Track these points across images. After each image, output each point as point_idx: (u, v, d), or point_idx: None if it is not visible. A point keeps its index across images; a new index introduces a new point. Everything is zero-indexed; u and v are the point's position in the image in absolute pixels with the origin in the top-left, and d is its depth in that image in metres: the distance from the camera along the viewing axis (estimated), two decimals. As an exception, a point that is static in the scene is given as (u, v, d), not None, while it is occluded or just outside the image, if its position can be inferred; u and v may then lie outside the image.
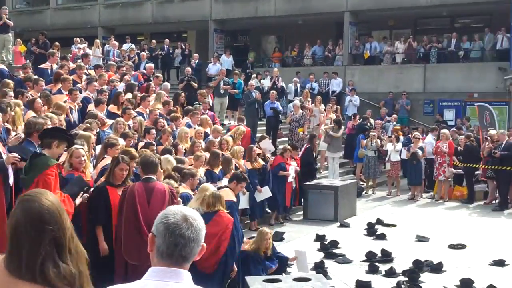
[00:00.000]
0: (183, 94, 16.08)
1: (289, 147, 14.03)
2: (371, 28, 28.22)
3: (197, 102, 15.91)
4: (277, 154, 14.43)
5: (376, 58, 26.35)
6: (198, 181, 8.98)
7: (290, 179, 13.43)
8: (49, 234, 2.46)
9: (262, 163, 12.94)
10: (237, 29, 31.25)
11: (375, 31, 28.27)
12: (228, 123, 18.40)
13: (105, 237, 7.07)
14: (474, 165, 16.01)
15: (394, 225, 13.32)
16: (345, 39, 26.28)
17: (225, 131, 14.33)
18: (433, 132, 17.93)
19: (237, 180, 8.87)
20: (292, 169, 13.47)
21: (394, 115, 21.81)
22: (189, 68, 20.26)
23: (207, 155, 10.94)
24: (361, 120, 19.38)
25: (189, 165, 10.06)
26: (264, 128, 18.34)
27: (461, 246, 11.43)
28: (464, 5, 24.59)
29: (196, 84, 18.74)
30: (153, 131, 11.32)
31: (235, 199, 8.57)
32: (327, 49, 27.04)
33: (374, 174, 17.42)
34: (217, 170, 10.87)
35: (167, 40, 26.19)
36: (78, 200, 6.78)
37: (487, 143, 15.88)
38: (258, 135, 16.12)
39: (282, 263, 8.93)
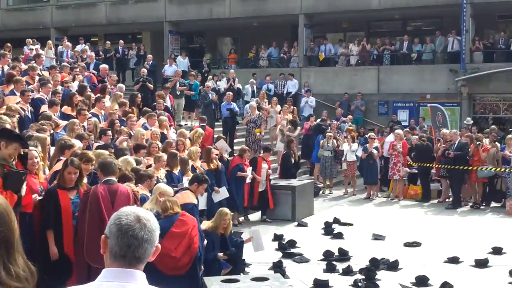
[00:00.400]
0: (139, 95, 15.91)
1: (247, 148, 14.02)
2: (325, 31, 28.50)
3: (154, 103, 15.80)
4: (235, 155, 14.40)
5: (331, 60, 26.62)
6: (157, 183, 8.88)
7: (248, 180, 13.39)
8: None
9: (218, 163, 12.88)
10: (193, 30, 31.13)
11: (330, 33, 28.58)
12: (185, 124, 18.31)
13: (56, 241, 6.96)
14: (428, 165, 16.29)
15: (351, 224, 13.46)
16: (300, 41, 26.46)
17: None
18: (412, 132, 18.33)
19: (198, 182, 8.81)
20: (249, 170, 13.46)
21: (349, 116, 22.04)
22: (144, 69, 20.06)
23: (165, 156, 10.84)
24: (318, 121, 19.51)
25: (147, 166, 9.97)
26: (221, 129, 18.30)
27: (416, 244, 11.62)
28: (415, 9, 25.05)
29: (151, 85, 18.56)
30: (109, 132, 11.17)
31: (196, 201, 8.50)
32: (283, 51, 27.18)
33: (331, 174, 17.59)
34: (176, 171, 10.79)
35: (121, 41, 25.90)
36: (23, 190, 6.63)
37: (440, 143, 16.20)
38: (215, 136, 16.06)
39: (239, 248, 8.96)
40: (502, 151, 15.41)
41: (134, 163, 9.10)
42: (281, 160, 15.66)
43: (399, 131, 17.10)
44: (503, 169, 15.19)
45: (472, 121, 20.74)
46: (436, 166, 16.12)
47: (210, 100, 18.44)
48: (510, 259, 10.51)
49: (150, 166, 10.11)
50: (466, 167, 15.32)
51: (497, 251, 10.96)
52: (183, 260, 7.24)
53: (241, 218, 13.76)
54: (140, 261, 2.48)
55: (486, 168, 15.17)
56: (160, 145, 11.66)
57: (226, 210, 8.86)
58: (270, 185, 14.05)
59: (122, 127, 12.05)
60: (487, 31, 25.75)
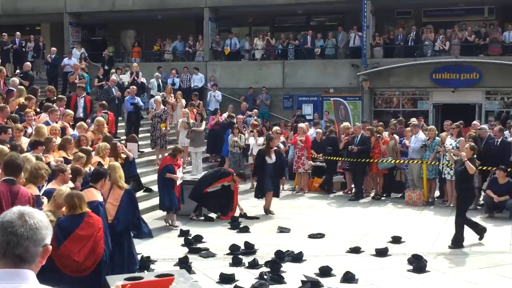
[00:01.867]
0: (39, 90, 15.27)
1: (180, 148, 13.52)
2: (231, 25, 28.55)
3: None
4: (166, 154, 13.88)
5: (237, 54, 26.66)
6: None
7: (178, 182, 12.76)
8: None
9: (129, 154, 12.55)
10: (94, 22, 30.30)
11: (235, 27, 28.65)
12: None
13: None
14: (333, 158, 16.59)
15: (257, 218, 13.54)
16: (206, 35, 26.35)
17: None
18: (316, 126, 18.56)
19: (104, 176, 8.46)
20: (180, 171, 13.10)
21: (255, 110, 22.18)
22: (28, 64, 19.36)
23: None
24: (226, 117, 19.47)
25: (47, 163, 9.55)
26: (124, 124, 17.91)
27: (320, 236, 11.83)
28: (318, 4, 25.54)
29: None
30: (10, 130, 10.64)
31: (101, 199, 8.18)
32: (188, 44, 26.97)
33: (239, 168, 17.56)
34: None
35: (18, 33, 24.70)
36: None
37: (343, 135, 16.60)
38: (119, 131, 15.68)
39: None
40: (400, 143, 15.96)
41: (34, 159, 8.68)
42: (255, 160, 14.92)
43: (302, 124, 17.35)
44: (401, 161, 15.76)
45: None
46: (340, 159, 16.48)
47: (113, 96, 18.00)
48: (409, 248, 10.89)
49: (48, 163, 9.68)
50: (368, 160, 15.76)
51: (396, 240, 11.34)
52: (86, 263, 6.98)
53: (177, 222, 12.90)
54: (24, 260, 2.33)
55: (386, 160, 15.67)
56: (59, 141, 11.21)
57: None
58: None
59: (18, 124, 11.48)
60: (387, 27, 26.67)
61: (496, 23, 24.47)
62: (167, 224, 12.73)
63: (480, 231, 11.30)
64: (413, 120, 17.94)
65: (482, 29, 23.77)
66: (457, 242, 10.96)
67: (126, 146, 13.17)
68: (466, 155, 10.93)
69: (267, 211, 13.95)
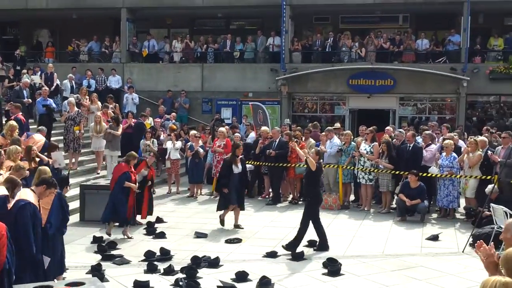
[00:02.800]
0: None
1: (134, 154, 12.67)
2: (149, 26, 28.14)
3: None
4: (120, 161, 13.22)
5: (155, 56, 26.28)
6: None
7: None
8: None
9: (43, 157, 12.04)
10: (6, 21, 29.15)
11: (154, 29, 28.25)
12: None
13: None
14: (255, 162, 16.56)
15: (165, 222, 13.34)
16: (123, 36, 25.87)
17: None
18: (233, 130, 18.52)
19: (48, 185, 8.00)
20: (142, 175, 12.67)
21: (173, 113, 21.92)
22: None
23: None
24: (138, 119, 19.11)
25: None
26: (35, 126, 17.21)
27: (237, 240, 11.76)
28: (237, 8, 25.56)
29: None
30: None
31: (33, 201, 7.70)
32: (104, 45, 26.36)
33: (155, 173, 17.25)
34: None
35: None
36: None
37: (261, 140, 16.62)
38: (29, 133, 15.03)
39: None
40: (317, 146, 16.13)
41: None
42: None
43: (222, 129, 17.25)
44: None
45: (289, 122, 21.59)
46: (259, 163, 16.47)
47: (21, 101, 17.28)
48: (323, 252, 10.98)
49: None
50: (285, 164, 15.83)
51: (312, 244, 11.42)
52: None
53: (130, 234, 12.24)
54: None
55: (304, 165, 15.78)
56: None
57: None
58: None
59: None
60: (305, 32, 27.02)
61: (410, 31, 25.28)
62: (125, 237, 12.08)
63: (322, 244, 11.21)
64: (337, 125, 18.26)
65: (396, 37, 24.49)
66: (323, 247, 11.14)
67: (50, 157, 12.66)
68: (311, 163, 10.91)
69: (237, 226, 12.94)
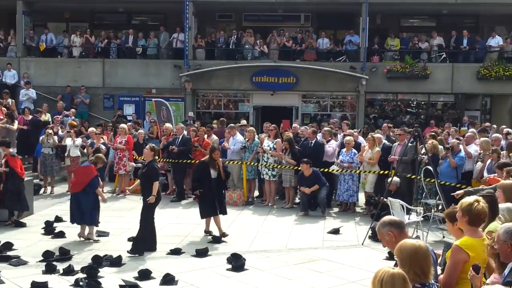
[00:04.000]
0: None
1: (103, 157, 12.20)
2: (47, 19, 27.13)
3: None
4: (88, 163, 12.30)
5: (53, 50, 25.38)
6: None
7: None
8: None
9: None
10: None
11: (51, 22, 27.27)
12: None
13: None
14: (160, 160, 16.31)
15: (65, 221, 12.88)
16: (18, 29, 24.81)
17: None
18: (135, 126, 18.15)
19: None
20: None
21: (73, 110, 21.26)
22: None
23: None
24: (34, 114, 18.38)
25: None
26: None
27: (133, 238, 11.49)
28: (139, 3, 25.20)
29: None
30: None
31: None
32: (-1, 38, 25.19)
33: (52, 171, 16.65)
34: None
35: None
36: None
37: (164, 137, 16.43)
38: None
39: None
40: (221, 144, 16.13)
41: None
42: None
43: (123, 125, 16.91)
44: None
45: (192, 114, 21.52)
46: (161, 160, 16.27)
47: None
48: (229, 247, 11.01)
49: None
50: (189, 161, 15.71)
51: (216, 240, 11.43)
52: None
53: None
54: None
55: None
56: None
57: None
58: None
59: None
60: (209, 29, 26.97)
61: (311, 30, 25.79)
62: (86, 240, 11.48)
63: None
64: (243, 122, 18.28)
65: (298, 35, 24.92)
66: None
67: None
68: (146, 157, 10.92)
69: (222, 234, 11.78)
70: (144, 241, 10.63)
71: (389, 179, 13.01)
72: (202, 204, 11.97)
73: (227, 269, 9.67)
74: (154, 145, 11.45)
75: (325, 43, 24.71)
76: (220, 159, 12.39)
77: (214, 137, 16.40)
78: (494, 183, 9.48)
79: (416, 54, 24.32)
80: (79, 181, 11.77)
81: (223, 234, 11.73)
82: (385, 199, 11.97)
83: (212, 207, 11.77)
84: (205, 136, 16.25)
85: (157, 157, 11.32)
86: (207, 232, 12.00)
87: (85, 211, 11.41)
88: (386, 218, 5.37)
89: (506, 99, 27.01)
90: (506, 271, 4.70)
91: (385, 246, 5.30)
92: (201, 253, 10.51)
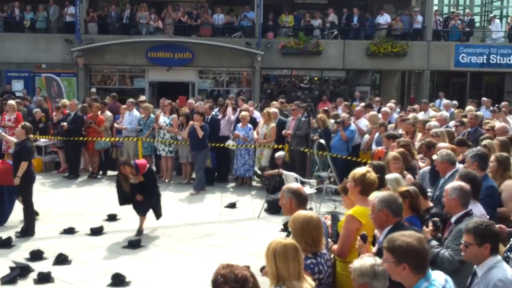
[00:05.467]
0: None
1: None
2: None
3: None
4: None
5: None
6: None
7: None
8: None
9: None
10: None
11: None
12: None
13: None
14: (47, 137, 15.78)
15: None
16: None
17: None
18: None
19: None
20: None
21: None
22: None
23: None
24: None
25: None
26: None
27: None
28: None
29: None
30: None
31: None
32: None
33: None
34: None
35: None
36: None
37: (55, 113, 15.90)
38: None
39: None
40: (117, 119, 15.83)
41: None
42: None
43: (11, 102, 16.17)
44: (117, 139, 15.66)
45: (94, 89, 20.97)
46: (51, 138, 15.77)
47: None
48: (124, 225, 10.89)
49: None
50: (81, 138, 15.30)
51: (112, 217, 11.26)
52: None
53: None
54: None
55: (104, 139, 15.42)
56: None
57: None
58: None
59: None
60: (101, 3, 26.21)
61: (206, 6, 25.66)
62: None
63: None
64: (142, 98, 17.87)
65: (194, 11, 24.73)
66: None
67: None
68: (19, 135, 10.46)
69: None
70: (32, 221, 10.29)
71: (276, 153, 13.41)
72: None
73: (123, 247, 9.58)
74: (27, 123, 10.93)
75: (221, 19, 24.70)
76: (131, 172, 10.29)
77: (108, 113, 16.05)
78: (381, 155, 9.94)
79: (309, 31, 24.83)
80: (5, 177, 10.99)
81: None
82: (279, 173, 12.25)
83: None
84: (99, 112, 15.85)
85: (31, 136, 10.79)
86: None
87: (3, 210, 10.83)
88: (295, 186, 5.57)
89: (394, 75, 28.33)
90: (381, 238, 4.94)
91: (281, 207, 5.47)
92: (96, 231, 10.34)
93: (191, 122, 13.96)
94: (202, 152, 13.91)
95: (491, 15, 30.03)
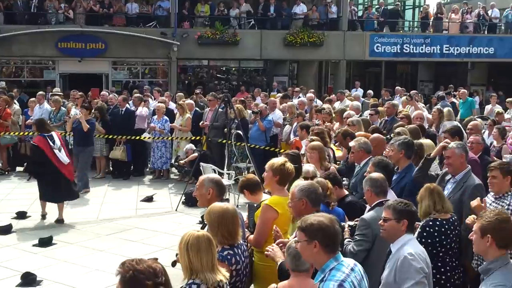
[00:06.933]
0: None
1: None
2: None
3: None
4: None
5: None
6: None
7: None
8: None
9: None
10: None
11: None
12: None
13: None
14: None
15: None
16: None
17: None
18: None
19: None
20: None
21: None
22: None
23: None
24: None
25: None
26: None
27: None
28: None
29: None
30: None
31: None
32: None
33: None
34: None
35: None
36: None
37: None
38: None
39: None
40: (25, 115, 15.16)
41: None
42: None
43: None
44: (26, 133, 14.94)
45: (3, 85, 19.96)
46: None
47: None
48: (34, 222, 10.41)
49: None
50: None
51: (21, 215, 10.71)
52: None
53: None
54: None
55: (10, 133, 14.67)
56: None
57: None
58: None
59: None
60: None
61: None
62: None
63: None
64: (56, 90, 17.18)
65: (106, 0, 23.99)
66: None
67: None
68: None
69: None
70: None
71: (187, 146, 13.34)
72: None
73: (34, 245, 9.14)
74: None
75: (134, 8, 24.09)
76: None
77: (16, 106, 15.31)
78: (298, 144, 9.94)
79: (226, 21, 24.63)
80: None
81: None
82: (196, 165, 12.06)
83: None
84: (6, 106, 15.07)
85: None
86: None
87: None
88: (216, 176, 5.57)
89: (312, 65, 28.62)
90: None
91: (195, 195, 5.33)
92: (4, 230, 9.81)
93: (75, 115, 13.37)
94: (86, 150, 12.99)
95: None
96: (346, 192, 6.38)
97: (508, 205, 5.57)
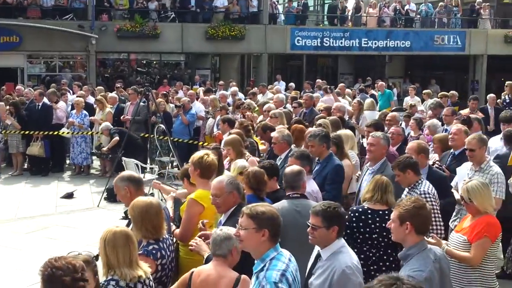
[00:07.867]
0: None
1: None
2: None
3: None
4: None
5: None
6: None
7: None
8: None
9: None
10: None
11: None
12: None
13: None
14: None
15: None
16: None
17: None
18: None
19: None
20: None
21: None
22: None
23: None
24: None
25: None
26: None
27: None
28: None
29: None
30: None
31: None
32: None
33: None
34: None
35: None
36: None
37: None
38: None
39: None
40: None
41: None
42: None
43: None
44: None
45: None
46: None
47: None
48: None
49: None
50: None
51: None
52: None
53: None
54: None
55: None
56: None
57: None
58: None
59: None
60: None
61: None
62: None
63: None
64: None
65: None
66: None
67: None
68: None
69: None
70: None
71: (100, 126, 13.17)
72: None
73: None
74: None
75: (50, 0, 23.33)
76: None
77: None
78: (221, 137, 9.94)
79: (146, 13, 24.25)
80: None
81: None
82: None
83: None
84: None
85: None
86: None
87: None
88: (126, 173, 5.51)
89: (234, 58, 28.65)
90: (224, 219, 4.99)
91: (120, 200, 5.30)
92: None
93: None
94: None
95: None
96: (278, 187, 6.04)
97: (420, 194, 5.71)
